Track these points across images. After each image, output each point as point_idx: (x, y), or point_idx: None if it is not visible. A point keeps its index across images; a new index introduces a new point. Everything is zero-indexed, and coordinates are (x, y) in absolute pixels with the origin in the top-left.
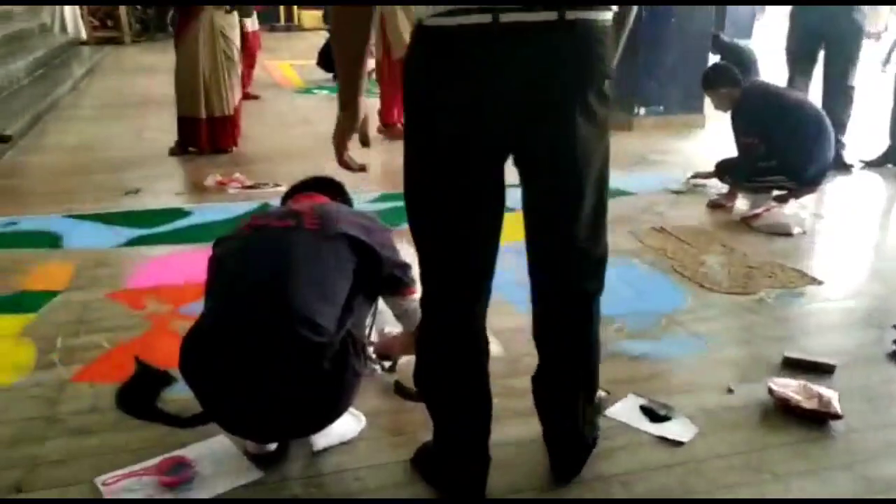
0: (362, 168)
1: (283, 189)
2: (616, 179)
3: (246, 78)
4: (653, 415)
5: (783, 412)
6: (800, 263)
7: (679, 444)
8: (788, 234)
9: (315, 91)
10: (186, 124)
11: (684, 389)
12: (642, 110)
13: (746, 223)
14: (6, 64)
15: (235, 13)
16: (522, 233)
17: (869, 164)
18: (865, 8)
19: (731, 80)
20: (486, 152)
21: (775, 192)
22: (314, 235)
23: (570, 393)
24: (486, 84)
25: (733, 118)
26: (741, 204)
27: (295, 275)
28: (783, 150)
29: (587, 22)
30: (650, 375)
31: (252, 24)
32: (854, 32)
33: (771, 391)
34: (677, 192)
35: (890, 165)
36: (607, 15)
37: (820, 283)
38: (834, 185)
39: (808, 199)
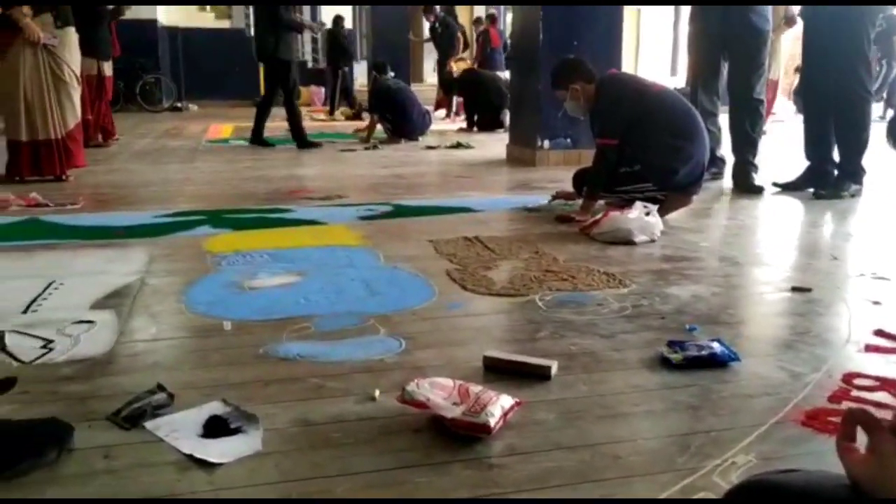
0: None
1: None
2: (467, 201)
3: (107, 118)
4: (217, 427)
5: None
6: (619, 268)
7: (209, 465)
8: (631, 243)
9: (231, 142)
10: (11, 148)
11: (318, 395)
12: (546, 143)
13: (584, 232)
14: None
15: (72, 32)
16: None
17: (785, 188)
18: (767, 9)
19: (583, 74)
20: None
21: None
22: None
23: None
24: None
25: (591, 120)
26: None
27: None
28: (645, 150)
29: None
30: (296, 377)
31: (108, 68)
32: (754, 37)
33: (404, 395)
34: (530, 210)
35: (811, 189)
36: None
37: (626, 286)
38: (733, 205)
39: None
